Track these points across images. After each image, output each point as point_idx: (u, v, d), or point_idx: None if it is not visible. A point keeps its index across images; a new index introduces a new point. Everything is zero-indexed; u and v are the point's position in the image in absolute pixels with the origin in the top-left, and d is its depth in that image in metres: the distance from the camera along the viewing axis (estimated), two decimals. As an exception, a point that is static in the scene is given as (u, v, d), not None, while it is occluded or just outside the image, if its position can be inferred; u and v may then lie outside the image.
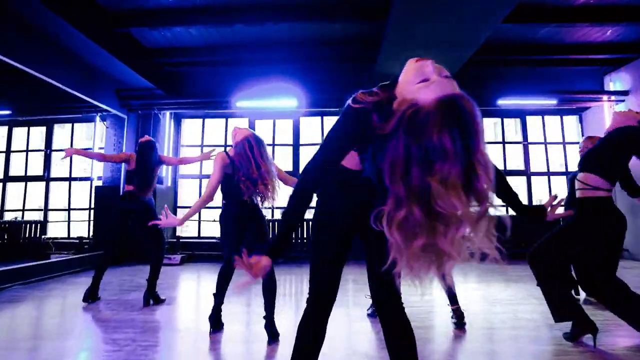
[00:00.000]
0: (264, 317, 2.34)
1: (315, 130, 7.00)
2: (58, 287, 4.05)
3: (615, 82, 6.38)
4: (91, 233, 6.44)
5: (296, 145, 6.81)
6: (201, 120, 7.08)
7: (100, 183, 6.46)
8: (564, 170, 7.01)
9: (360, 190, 1.23)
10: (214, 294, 2.50)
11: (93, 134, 6.96)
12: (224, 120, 7.07)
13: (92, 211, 6.54)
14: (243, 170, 2.28)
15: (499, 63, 6.36)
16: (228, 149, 2.52)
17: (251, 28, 5.07)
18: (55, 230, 7.02)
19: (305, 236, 6.25)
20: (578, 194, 2.19)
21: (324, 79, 6.26)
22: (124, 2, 4.59)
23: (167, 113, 6.63)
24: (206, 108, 6.50)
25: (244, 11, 4.69)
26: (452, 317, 2.61)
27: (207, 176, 6.97)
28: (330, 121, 6.97)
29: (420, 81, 0.96)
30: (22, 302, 3.40)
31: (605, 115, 6.38)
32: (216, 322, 2.50)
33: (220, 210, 2.57)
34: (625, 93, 6.15)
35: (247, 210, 2.43)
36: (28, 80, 5.75)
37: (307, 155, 6.83)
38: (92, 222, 6.44)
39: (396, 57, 5.12)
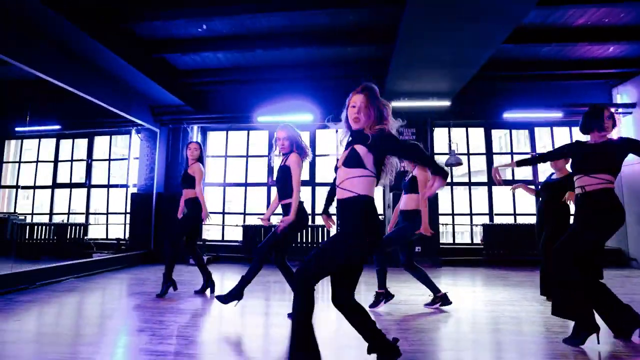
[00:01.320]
0: None
1: (331, 141, 7.47)
2: (105, 281, 4.68)
3: (623, 94, 6.53)
4: (127, 235, 7.14)
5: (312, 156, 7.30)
6: (225, 132, 7.70)
7: (135, 190, 7.15)
8: (573, 180, 7.16)
9: None
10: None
11: (129, 145, 7.70)
12: (246, 132, 7.66)
13: (128, 215, 7.23)
14: None
15: (505, 79, 6.65)
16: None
17: (270, 52, 5.62)
18: (96, 232, 7.77)
19: (310, 240, 6.69)
20: (589, 188, 2.41)
21: (337, 95, 6.68)
22: (159, 32, 5.23)
23: (195, 127, 7.28)
24: (230, 122, 7.11)
25: (264, 38, 5.24)
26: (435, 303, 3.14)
27: (231, 184, 7.56)
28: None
29: None
30: (84, 291, 4.02)
31: (612, 127, 6.53)
32: None
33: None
34: (632, 105, 6.31)
35: None
36: (74, 100, 6.55)
37: (322, 164, 7.30)
38: (128, 225, 7.13)
39: (403, 76, 5.53)
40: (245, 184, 7.56)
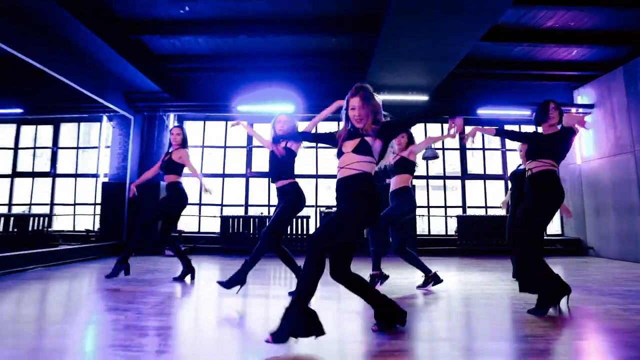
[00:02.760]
0: None
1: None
2: (75, 270, 4.43)
3: (583, 96, 7.04)
4: (96, 226, 6.81)
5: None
6: (202, 122, 7.52)
7: (106, 180, 6.83)
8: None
9: None
10: None
11: (99, 133, 7.34)
12: (224, 122, 7.52)
13: (98, 206, 6.89)
14: None
15: (480, 76, 6.98)
16: None
17: (254, 39, 5.57)
18: (61, 224, 7.34)
19: (301, 232, 6.69)
20: (536, 170, 2.64)
21: (320, 86, 6.78)
22: (138, 12, 5.04)
23: (172, 115, 7.07)
24: (209, 111, 6.97)
25: (249, 24, 5.19)
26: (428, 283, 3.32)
27: (208, 175, 7.40)
28: (325, 126, 7.48)
29: None
30: (51, 280, 3.79)
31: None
32: None
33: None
34: (591, 106, 6.81)
35: None
36: (39, 81, 6.19)
37: (302, 156, 7.30)
38: (98, 216, 6.80)
39: (385, 68, 5.66)
40: (223, 175, 7.43)
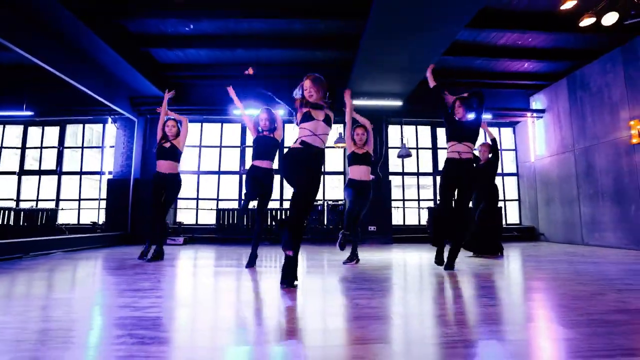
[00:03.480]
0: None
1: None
2: (93, 254, 5.10)
3: (537, 102, 8.07)
4: (102, 219, 7.42)
5: (281, 148, 8.06)
6: (200, 124, 8.21)
7: (110, 177, 7.44)
8: (499, 171, 8.61)
9: None
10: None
11: (102, 134, 7.95)
12: (219, 124, 8.24)
13: (103, 201, 7.49)
14: None
15: (448, 85, 7.89)
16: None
17: (249, 52, 6.34)
18: (66, 218, 7.89)
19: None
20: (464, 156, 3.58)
21: (307, 93, 7.57)
22: (149, 28, 5.74)
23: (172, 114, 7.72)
24: (206, 114, 7.67)
25: (245, 40, 5.95)
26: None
27: (205, 172, 8.09)
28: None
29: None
30: (80, 260, 4.46)
31: (529, 128, 8.06)
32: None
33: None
34: (543, 111, 7.83)
35: None
36: (48, 86, 6.77)
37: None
38: (104, 210, 7.39)
39: (364, 77, 6.50)
40: (219, 172, 8.14)
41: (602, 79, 6.21)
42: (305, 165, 2.65)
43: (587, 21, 5.06)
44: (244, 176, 8.15)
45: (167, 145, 4.19)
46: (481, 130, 3.96)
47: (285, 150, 3.03)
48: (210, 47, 6.08)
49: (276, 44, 6.05)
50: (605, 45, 6.14)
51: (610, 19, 4.98)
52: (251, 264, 3.71)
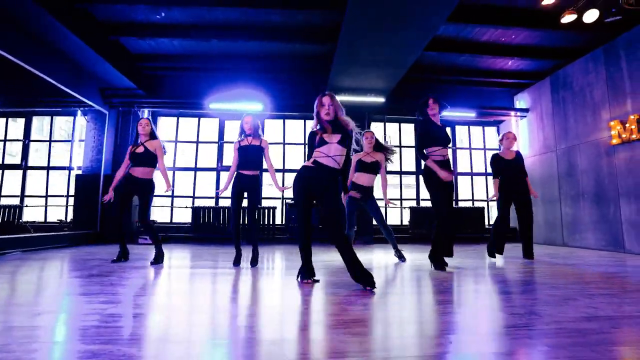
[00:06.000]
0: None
1: (278, 131, 8.05)
2: (52, 254, 4.78)
3: (521, 101, 7.99)
4: (70, 217, 7.05)
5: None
6: (176, 118, 7.91)
7: (79, 172, 7.08)
8: (484, 171, 8.54)
9: None
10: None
11: (72, 127, 7.57)
12: (196, 119, 7.94)
13: (71, 198, 7.13)
14: None
15: (432, 81, 7.77)
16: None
17: (225, 43, 6.07)
18: (32, 215, 7.50)
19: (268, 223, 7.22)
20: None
21: (286, 87, 7.36)
22: (118, 15, 5.43)
23: (146, 111, 7.41)
24: (181, 108, 7.37)
25: (220, 29, 5.69)
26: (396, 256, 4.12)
27: (181, 168, 7.79)
28: (291, 124, 8.05)
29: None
30: (37, 261, 4.15)
31: (512, 127, 7.98)
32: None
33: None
34: (527, 110, 7.76)
35: None
36: (12, 75, 6.38)
37: (271, 153, 7.83)
38: (71, 207, 7.04)
39: (345, 72, 6.31)
40: (195, 169, 7.85)
41: (584, 78, 6.14)
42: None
43: (568, 18, 4.97)
44: (221, 172, 7.87)
45: (140, 150, 3.85)
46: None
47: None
48: (183, 37, 5.79)
49: (253, 36, 5.80)
50: (589, 43, 6.08)
51: (591, 16, 4.90)
52: (248, 263, 3.70)
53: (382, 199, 4.46)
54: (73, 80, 6.10)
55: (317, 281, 2.66)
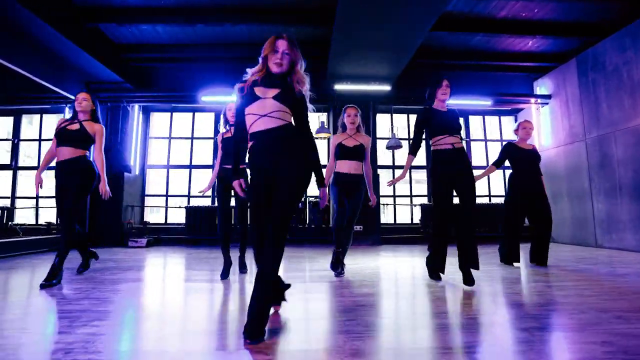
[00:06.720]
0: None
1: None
2: (29, 262, 4.39)
3: (542, 87, 7.24)
4: (58, 219, 6.71)
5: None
6: (169, 114, 7.47)
7: (68, 171, 6.71)
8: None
9: None
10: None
11: (62, 125, 7.21)
12: (191, 114, 7.49)
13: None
14: None
15: (442, 67, 7.09)
16: None
17: (212, 28, 5.56)
18: (23, 217, 7.21)
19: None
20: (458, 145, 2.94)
21: (283, 77, 6.79)
22: (93, -1, 4.98)
23: (136, 106, 6.99)
24: (173, 101, 6.92)
25: (204, 13, 5.18)
26: None
27: (175, 166, 7.37)
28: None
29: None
30: (24, 267, 3.75)
31: (533, 116, 7.23)
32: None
33: None
34: (548, 97, 7.01)
35: None
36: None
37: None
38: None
39: (344, 58, 5.72)
40: (190, 166, 7.41)
41: (619, 56, 5.38)
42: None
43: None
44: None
45: (75, 127, 3.07)
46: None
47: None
48: (166, 23, 5.31)
49: (242, 18, 5.27)
50: (624, 18, 5.31)
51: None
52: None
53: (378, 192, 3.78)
54: (55, 74, 5.70)
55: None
